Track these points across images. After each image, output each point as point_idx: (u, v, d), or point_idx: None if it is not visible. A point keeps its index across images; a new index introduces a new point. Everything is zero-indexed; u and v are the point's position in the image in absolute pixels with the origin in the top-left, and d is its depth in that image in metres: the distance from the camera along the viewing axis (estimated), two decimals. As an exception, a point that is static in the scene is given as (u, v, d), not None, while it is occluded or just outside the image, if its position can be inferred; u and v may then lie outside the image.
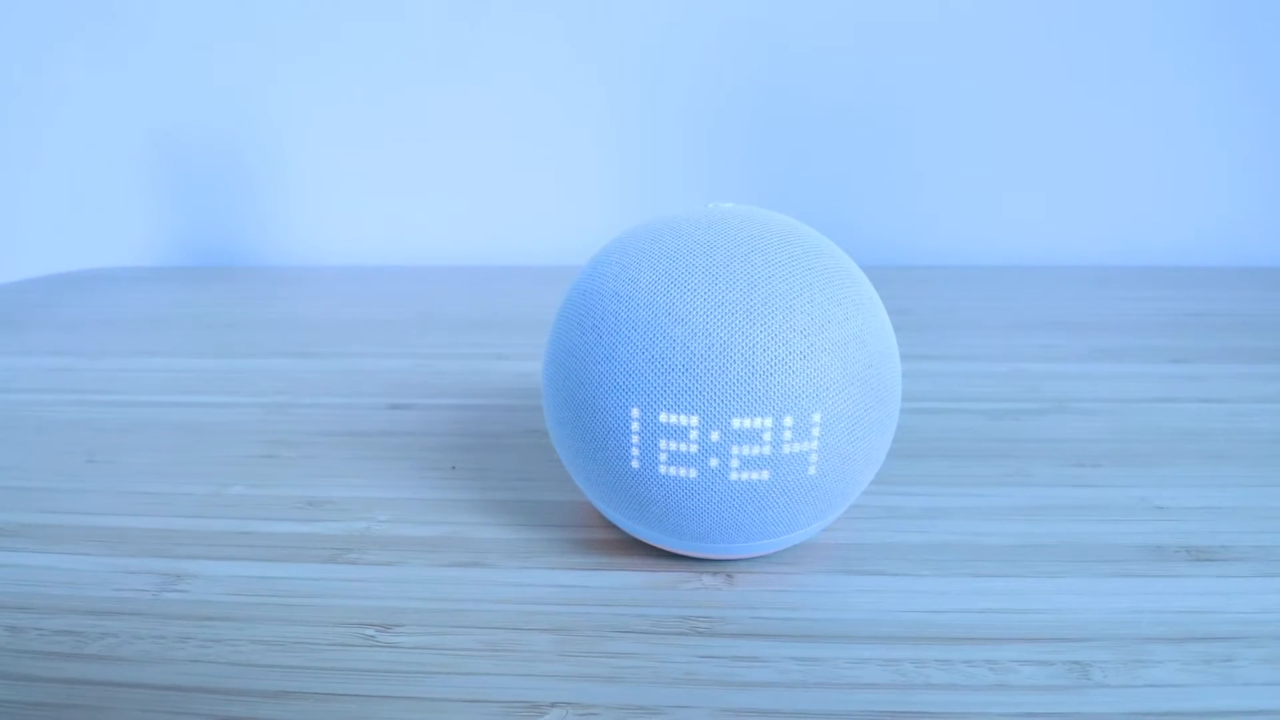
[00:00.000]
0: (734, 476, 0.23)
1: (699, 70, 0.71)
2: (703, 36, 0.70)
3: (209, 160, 0.77)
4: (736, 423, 0.22)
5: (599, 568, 0.27)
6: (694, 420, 0.22)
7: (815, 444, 0.23)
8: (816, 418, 0.22)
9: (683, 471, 0.23)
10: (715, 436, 0.22)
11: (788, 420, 0.22)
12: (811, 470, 0.23)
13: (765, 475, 0.23)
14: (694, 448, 0.23)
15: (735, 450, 0.22)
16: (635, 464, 0.23)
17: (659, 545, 0.26)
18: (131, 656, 0.23)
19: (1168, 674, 0.22)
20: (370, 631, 0.24)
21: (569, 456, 0.26)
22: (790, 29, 0.69)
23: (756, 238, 0.24)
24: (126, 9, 0.73)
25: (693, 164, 0.74)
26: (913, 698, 0.21)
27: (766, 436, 0.22)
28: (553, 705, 0.21)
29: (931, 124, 0.71)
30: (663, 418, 0.23)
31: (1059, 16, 0.67)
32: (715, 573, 0.27)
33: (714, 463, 0.23)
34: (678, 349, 0.22)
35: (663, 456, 0.23)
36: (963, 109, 0.70)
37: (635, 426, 0.23)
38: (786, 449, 0.22)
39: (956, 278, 0.69)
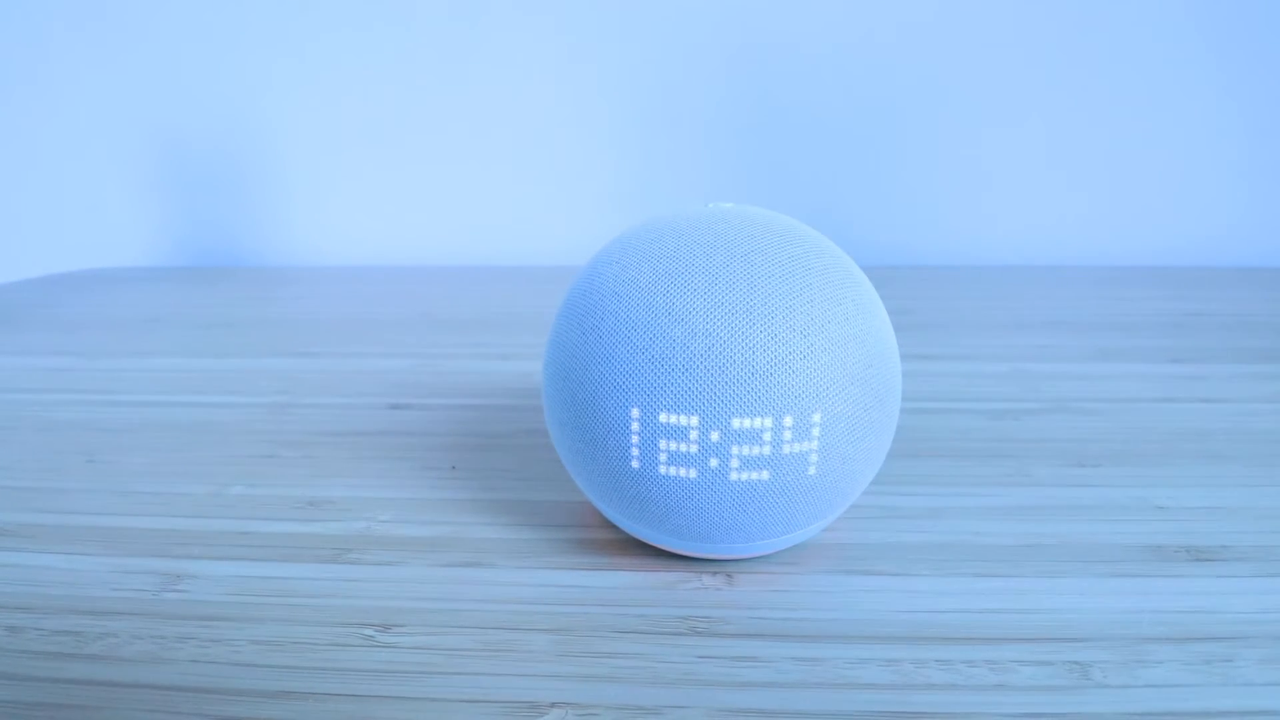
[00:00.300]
0: (734, 477, 0.23)
1: (699, 70, 0.71)
2: (703, 37, 0.70)
3: (209, 160, 0.77)
4: (736, 423, 0.22)
5: (598, 568, 0.27)
6: (694, 420, 0.22)
7: (815, 444, 0.23)
8: (816, 418, 0.22)
9: (683, 471, 0.23)
10: (715, 437, 0.22)
11: (788, 420, 0.22)
12: (811, 470, 0.23)
13: (765, 475, 0.23)
14: (694, 448, 0.23)
15: (735, 450, 0.22)
16: (635, 464, 0.23)
17: (659, 545, 0.26)
18: (131, 656, 0.23)
19: (1167, 674, 0.22)
20: (370, 631, 0.24)
21: (569, 456, 0.26)
22: (792, 28, 0.69)
23: (756, 238, 0.24)
24: (126, 9, 0.73)
25: (693, 164, 0.74)
26: (912, 698, 0.21)
27: (766, 436, 0.22)
28: (552, 705, 0.21)
29: (932, 125, 0.71)
30: (662, 418, 0.23)
31: (1060, 17, 0.67)
32: (715, 573, 0.27)
33: (714, 463, 0.23)
34: (677, 349, 0.22)
35: (663, 457, 0.23)
36: (963, 109, 0.70)
37: (635, 427, 0.23)
38: (786, 449, 0.22)
39: (956, 278, 0.69)
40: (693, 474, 0.23)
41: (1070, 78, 0.69)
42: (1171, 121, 0.69)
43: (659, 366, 0.23)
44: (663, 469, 0.23)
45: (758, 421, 0.22)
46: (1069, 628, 0.23)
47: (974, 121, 0.71)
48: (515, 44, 0.71)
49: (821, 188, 0.73)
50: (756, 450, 0.22)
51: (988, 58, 0.69)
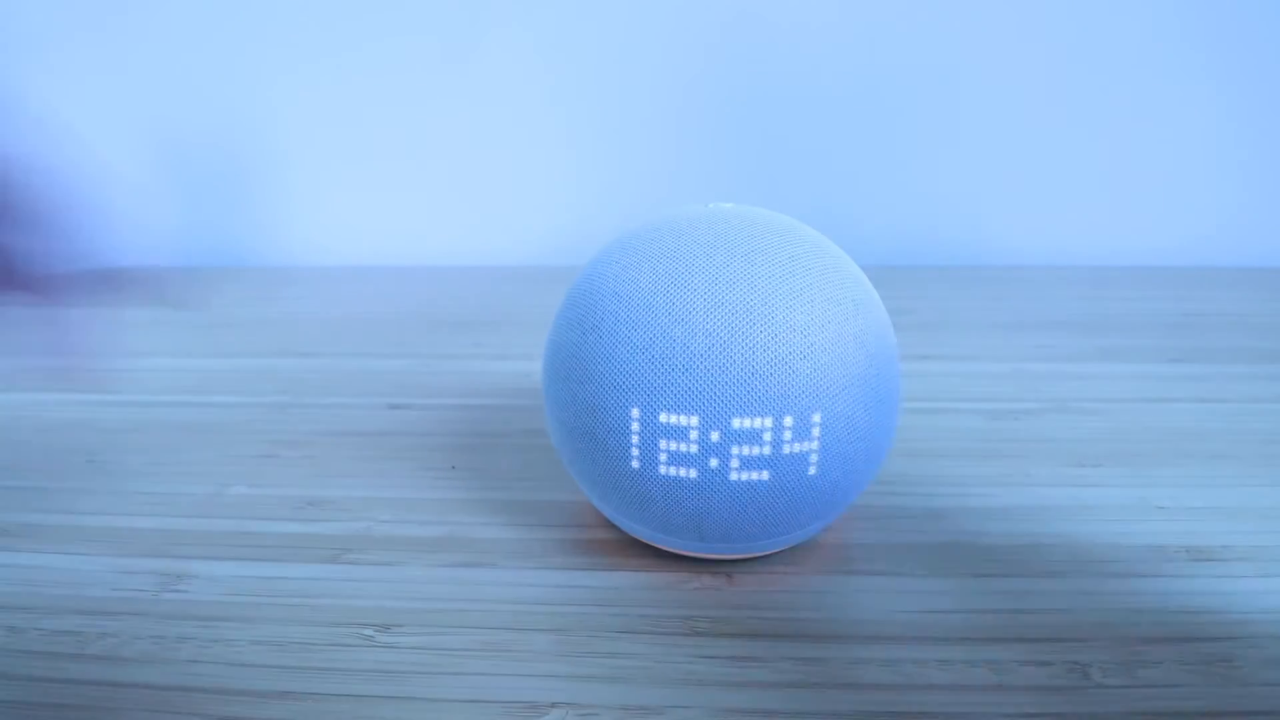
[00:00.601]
0: (734, 477, 0.23)
1: (699, 70, 0.71)
2: (703, 36, 0.70)
3: (209, 160, 0.77)
4: (737, 423, 0.22)
5: (599, 568, 0.27)
6: (694, 420, 0.22)
7: (815, 444, 0.23)
8: (816, 418, 0.22)
9: (683, 472, 0.23)
10: (715, 437, 0.22)
11: (788, 420, 0.22)
12: (812, 470, 0.23)
13: (765, 475, 0.23)
14: (694, 448, 0.23)
15: (735, 450, 0.22)
16: (635, 464, 0.23)
17: (659, 545, 0.26)
18: (131, 656, 0.23)
19: (1167, 674, 0.22)
20: (369, 632, 0.24)
21: (569, 456, 0.26)
22: (791, 28, 0.69)
23: (757, 238, 0.24)
24: (127, 9, 0.73)
25: (693, 163, 0.74)
26: (913, 698, 0.21)
27: (767, 436, 0.22)
28: (552, 705, 0.21)
29: (932, 124, 0.71)
30: (663, 418, 0.23)
31: (1059, 16, 0.67)
32: (715, 573, 0.27)
33: (714, 463, 0.23)
34: (678, 349, 0.22)
35: (663, 457, 0.23)
36: (963, 109, 0.70)
37: (635, 427, 0.23)
38: (786, 449, 0.22)
39: (956, 278, 0.69)
40: (693, 474, 0.23)
41: (1070, 78, 0.69)
42: (1171, 121, 0.69)
43: (659, 366, 0.23)
44: (663, 469, 0.23)
45: (758, 421, 0.22)
46: (1069, 628, 0.23)
47: (974, 121, 0.70)
48: (515, 43, 0.71)
49: (821, 187, 0.73)
50: (756, 450, 0.22)
51: (988, 57, 0.69)
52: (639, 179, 0.75)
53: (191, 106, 0.75)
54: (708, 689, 0.21)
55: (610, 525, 0.29)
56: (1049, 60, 0.68)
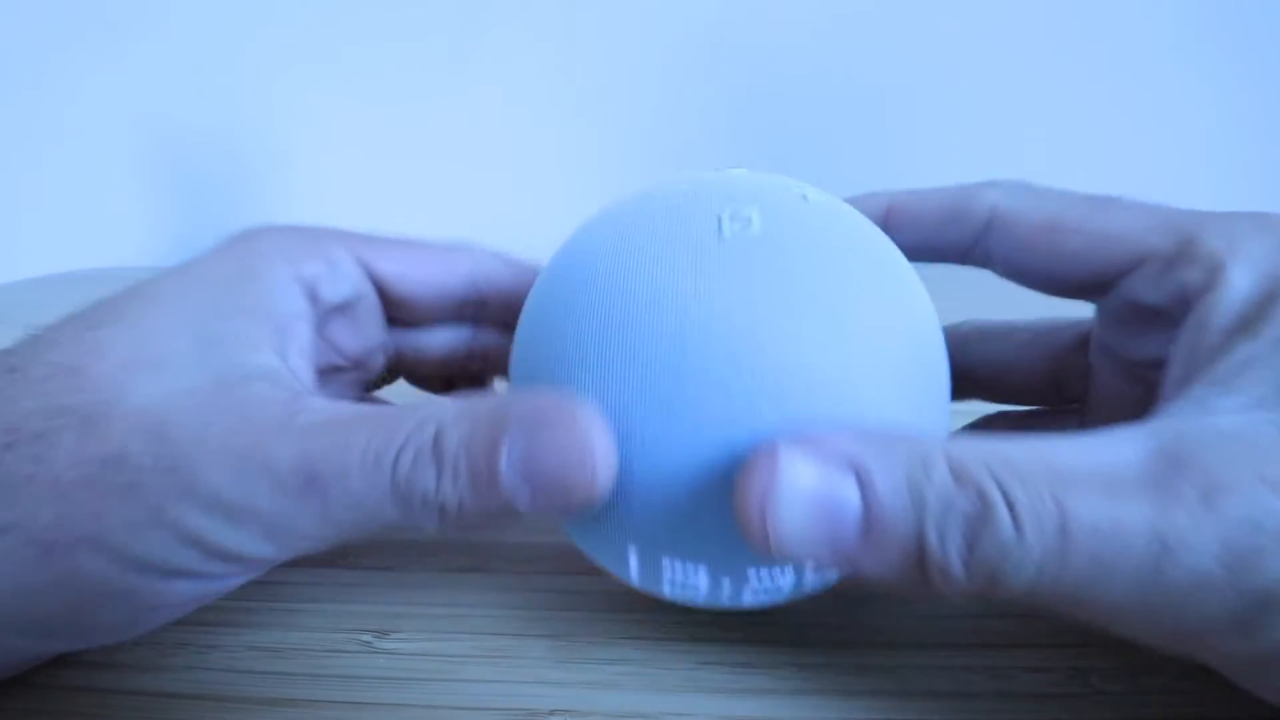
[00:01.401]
0: (749, 599, 0.21)
1: (698, 67, 0.70)
2: (702, 32, 0.69)
3: (209, 160, 0.77)
4: (753, 572, 0.20)
5: (598, 572, 0.27)
6: (702, 569, 0.20)
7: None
8: None
9: (690, 594, 0.21)
10: (727, 583, 0.20)
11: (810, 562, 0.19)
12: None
13: (783, 587, 0.20)
14: (704, 581, 0.20)
15: (749, 586, 0.20)
16: (635, 583, 0.21)
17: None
18: (127, 663, 0.23)
19: (1168, 681, 0.21)
20: (367, 637, 0.24)
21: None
22: (790, 25, 0.69)
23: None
24: (127, 8, 0.73)
25: (694, 161, 0.73)
26: (914, 704, 0.21)
27: (787, 576, 0.20)
28: (551, 712, 0.21)
29: (931, 123, 0.71)
30: (665, 561, 0.20)
31: (1059, 15, 0.67)
32: (715, 577, 0.26)
33: (726, 587, 0.20)
34: (683, 492, 0.19)
35: (666, 586, 0.21)
36: (962, 108, 0.70)
37: (633, 562, 0.20)
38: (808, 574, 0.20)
39: (957, 277, 0.69)
40: (700, 596, 0.21)
41: (1071, 77, 0.68)
42: (1172, 121, 0.69)
43: (661, 508, 0.19)
44: (668, 589, 0.21)
45: (776, 573, 0.20)
46: (1070, 633, 0.23)
47: (974, 121, 0.70)
48: (517, 42, 0.71)
49: (821, 187, 0.73)
50: (772, 583, 0.20)
51: (988, 56, 0.68)
52: (642, 178, 0.75)
53: (192, 106, 0.75)
54: (708, 696, 0.21)
55: (610, 529, 0.29)
56: (1050, 60, 0.68)
